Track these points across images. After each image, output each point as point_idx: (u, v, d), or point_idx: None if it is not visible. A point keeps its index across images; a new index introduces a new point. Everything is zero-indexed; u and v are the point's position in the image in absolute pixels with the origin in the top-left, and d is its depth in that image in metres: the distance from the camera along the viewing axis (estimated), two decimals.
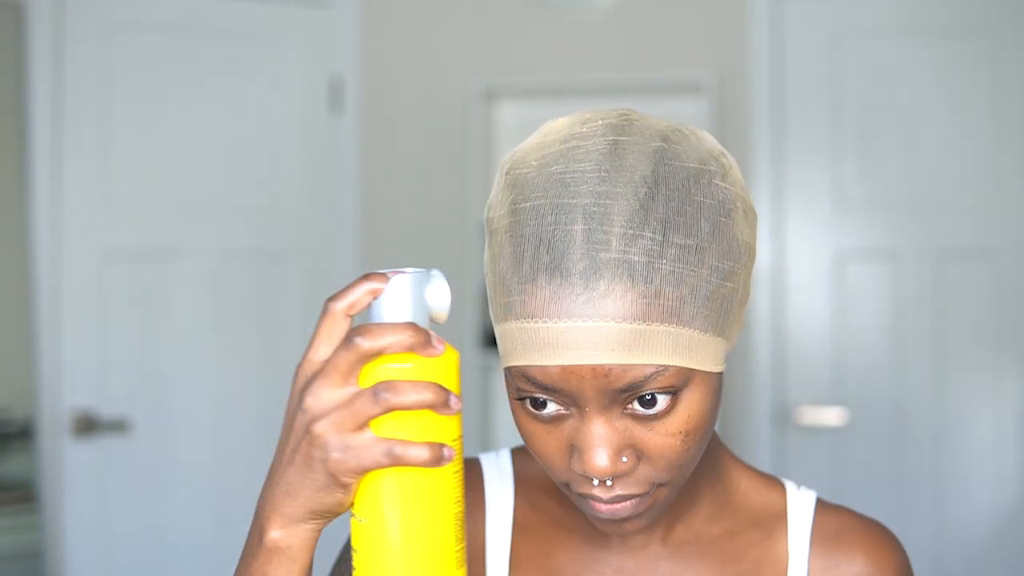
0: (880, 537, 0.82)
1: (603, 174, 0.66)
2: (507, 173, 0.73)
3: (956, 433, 2.59)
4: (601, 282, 0.64)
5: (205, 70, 2.73)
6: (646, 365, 0.65)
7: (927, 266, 2.60)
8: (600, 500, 0.70)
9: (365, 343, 0.59)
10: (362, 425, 0.60)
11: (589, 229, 0.65)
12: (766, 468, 2.56)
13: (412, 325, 0.61)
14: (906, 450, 2.61)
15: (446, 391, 0.61)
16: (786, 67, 2.68)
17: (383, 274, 0.62)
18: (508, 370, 0.69)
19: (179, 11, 2.72)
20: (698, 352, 0.67)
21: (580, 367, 0.65)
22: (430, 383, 0.60)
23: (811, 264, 2.67)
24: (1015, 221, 2.56)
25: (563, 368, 0.65)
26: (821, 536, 0.81)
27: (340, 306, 0.61)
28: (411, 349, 0.60)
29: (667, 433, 0.68)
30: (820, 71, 2.66)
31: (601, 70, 2.78)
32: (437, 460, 0.60)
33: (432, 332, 0.62)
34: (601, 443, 0.67)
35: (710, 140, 0.73)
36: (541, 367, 0.66)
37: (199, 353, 2.72)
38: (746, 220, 0.71)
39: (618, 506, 0.70)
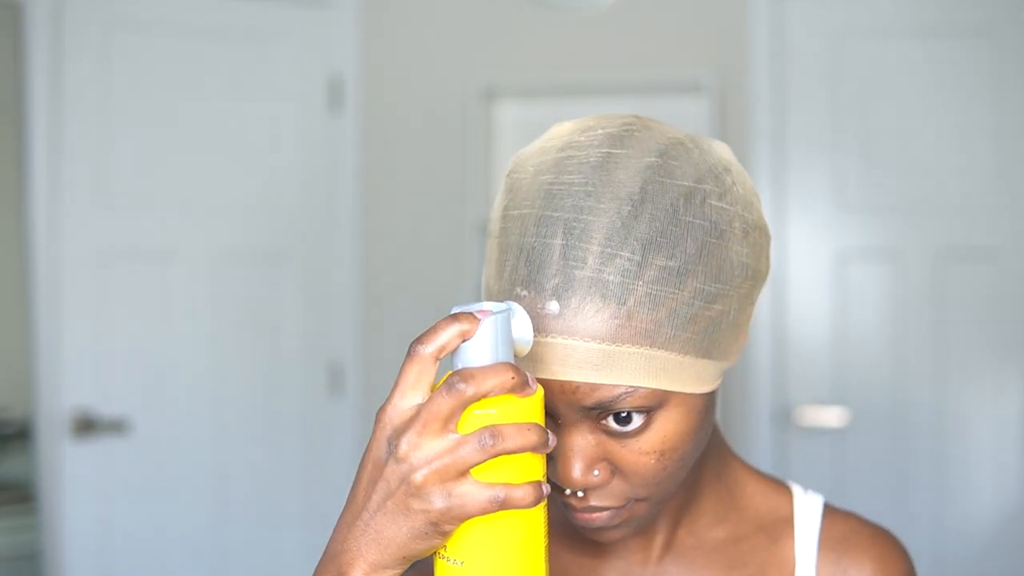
0: (888, 544, 0.81)
1: (589, 188, 0.66)
2: (508, 176, 0.72)
3: (957, 433, 2.58)
4: (573, 299, 0.63)
5: (205, 70, 2.73)
6: (615, 385, 0.64)
7: (927, 266, 2.60)
8: (575, 508, 0.70)
9: (469, 389, 0.58)
10: (464, 472, 0.59)
11: (567, 245, 0.64)
12: (766, 468, 2.56)
13: (511, 367, 0.60)
14: (906, 450, 2.60)
15: (545, 431, 0.60)
16: (786, 67, 2.68)
17: (471, 314, 0.60)
18: None
19: (179, 11, 2.71)
20: (675, 374, 0.66)
21: (549, 381, 0.64)
22: (532, 425, 0.60)
23: (812, 264, 2.67)
24: (1015, 221, 2.56)
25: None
26: (829, 541, 0.80)
27: (429, 350, 0.59)
28: (511, 391, 0.59)
29: (641, 451, 0.67)
30: (820, 71, 2.66)
31: (601, 70, 2.78)
32: (539, 498, 0.60)
33: (526, 372, 0.62)
34: (572, 455, 0.67)
35: (718, 154, 0.71)
36: None
37: (198, 353, 2.71)
38: (746, 240, 0.69)
39: (593, 516, 0.70)
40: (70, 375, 2.58)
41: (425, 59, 2.87)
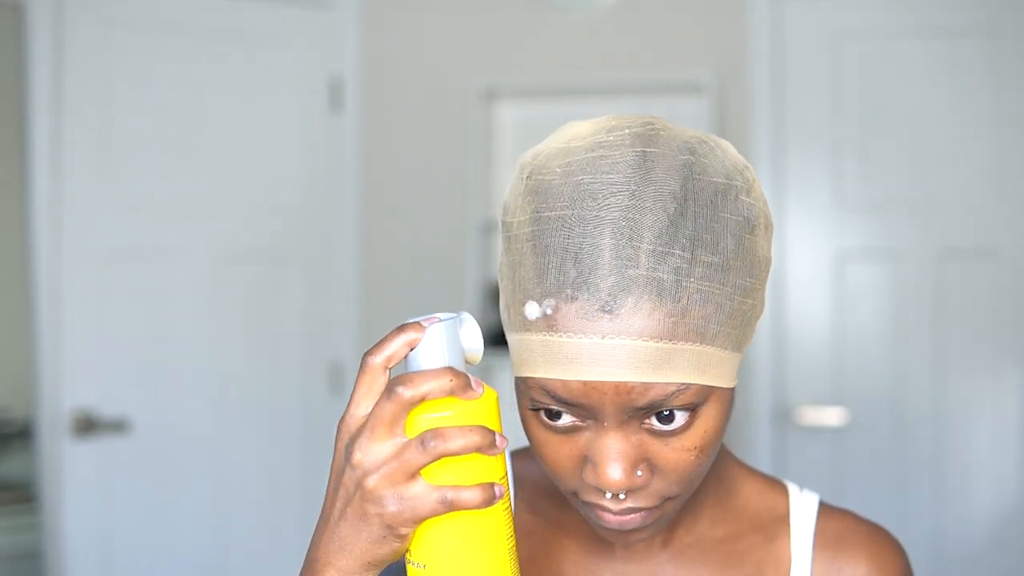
0: (883, 542, 0.81)
1: (632, 187, 0.65)
2: (528, 177, 0.71)
3: (956, 433, 2.59)
4: (629, 299, 0.63)
5: (205, 70, 2.73)
6: (668, 384, 0.64)
7: (927, 266, 2.60)
8: (609, 511, 0.69)
9: (407, 392, 0.60)
10: (413, 475, 0.61)
11: (617, 244, 0.64)
12: (766, 468, 2.56)
13: (450, 369, 0.61)
14: (906, 450, 2.61)
15: (491, 432, 0.61)
16: (786, 67, 2.68)
17: (418, 323, 0.63)
18: (523, 380, 0.68)
19: (179, 11, 2.72)
20: (718, 369, 0.66)
21: (603, 383, 0.64)
22: (475, 426, 0.61)
23: (811, 264, 2.67)
24: (1015, 221, 2.56)
25: (585, 384, 0.64)
26: (824, 540, 0.81)
27: (378, 360, 0.62)
28: (452, 393, 0.61)
29: (683, 448, 0.67)
30: (820, 71, 2.66)
31: (601, 70, 2.78)
32: (489, 500, 0.61)
33: (470, 375, 0.63)
34: (617, 457, 0.66)
35: (733, 152, 0.72)
36: (563, 381, 0.65)
37: (199, 353, 2.72)
38: (767, 234, 0.70)
39: (627, 518, 0.69)
40: (71, 375, 2.58)
41: (425, 59, 2.87)
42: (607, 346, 0.63)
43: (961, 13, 2.60)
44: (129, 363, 2.64)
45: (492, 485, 0.62)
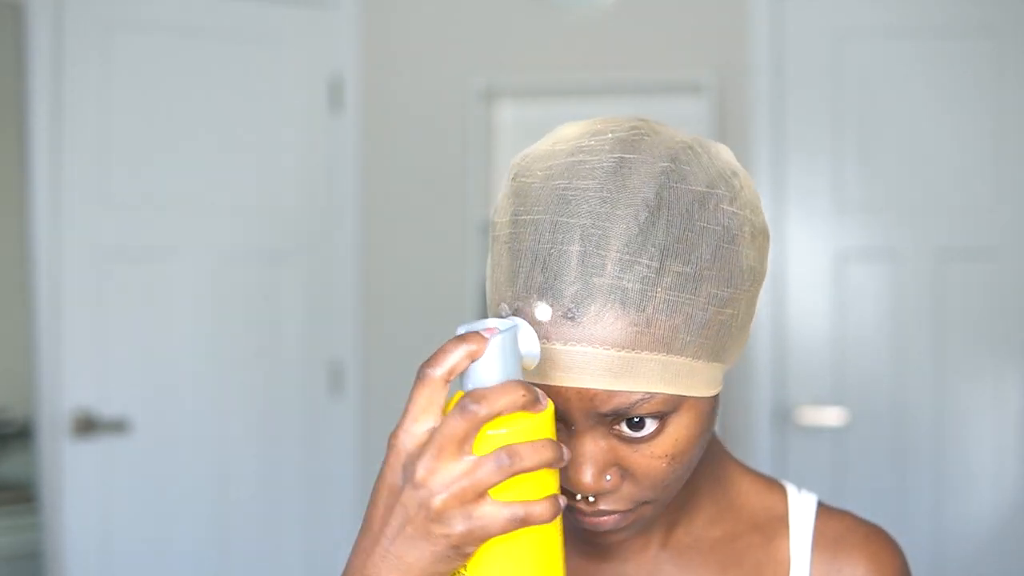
0: (882, 542, 0.81)
1: (605, 194, 0.65)
2: (513, 179, 0.71)
3: (956, 433, 2.59)
4: (592, 307, 0.63)
5: (205, 70, 2.73)
6: (632, 392, 0.64)
7: (927, 266, 2.60)
8: (583, 512, 0.70)
9: (482, 410, 0.58)
10: (483, 494, 0.59)
11: (585, 251, 0.64)
12: (766, 468, 2.56)
13: (521, 385, 0.60)
14: (906, 450, 2.61)
15: (559, 446, 0.61)
16: (786, 67, 2.68)
17: (478, 334, 0.60)
18: None
19: (179, 11, 2.72)
20: (689, 379, 0.66)
21: (566, 389, 0.64)
22: (546, 441, 0.60)
23: (811, 264, 2.67)
24: (1014, 221, 2.56)
25: (550, 388, 0.65)
26: (823, 540, 0.81)
27: (439, 372, 0.59)
28: (524, 408, 0.60)
29: (652, 455, 0.67)
30: (820, 71, 2.66)
31: (601, 70, 2.78)
32: (557, 513, 0.61)
33: (535, 386, 0.62)
34: (585, 461, 0.67)
35: (724, 157, 0.71)
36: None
37: (199, 353, 2.72)
38: (753, 243, 0.69)
39: (601, 519, 0.70)
40: (71, 375, 2.58)
41: (425, 59, 2.87)
42: (569, 352, 0.63)
43: (961, 13, 2.60)
44: (129, 363, 2.64)
45: (556, 498, 0.61)
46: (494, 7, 2.85)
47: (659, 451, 0.67)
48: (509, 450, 0.59)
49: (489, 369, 0.60)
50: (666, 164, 0.67)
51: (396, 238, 2.89)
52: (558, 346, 0.64)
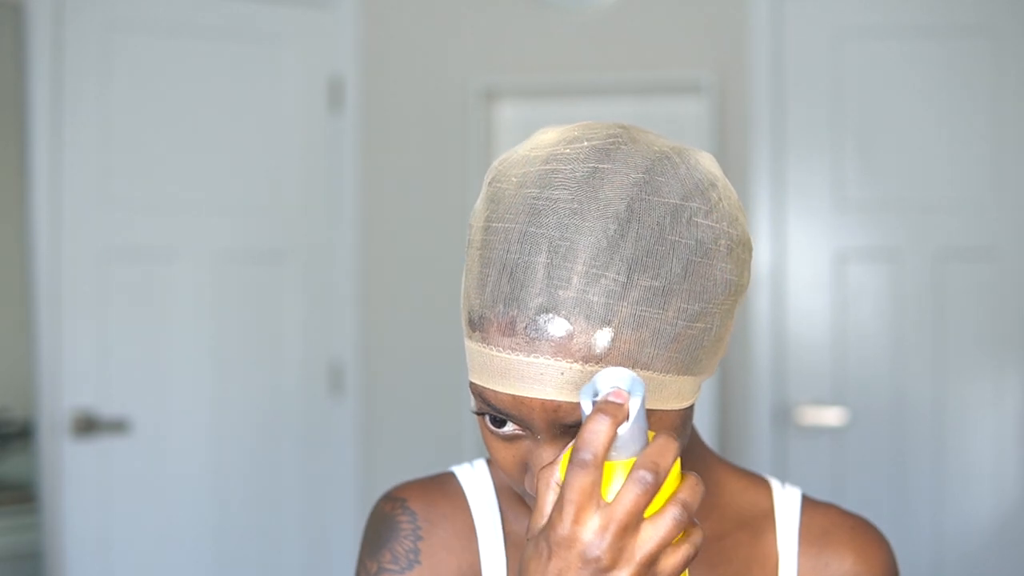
0: (868, 535, 0.82)
1: (575, 205, 0.65)
2: (489, 184, 0.71)
3: (956, 433, 2.58)
4: (556, 320, 0.63)
5: (205, 70, 2.73)
6: None
7: (927, 266, 2.60)
8: None
9: (659, 478, 0.59)
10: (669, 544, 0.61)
11: (551, 263, 0.64)
12: (766, 468, 2.56)
13: (668, 436, 0.60)
14: (906, 450, 2.61)
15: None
16: (786, 67, 2.68)
17: (613, 404, 0.59)
18: (471, 384, 0.69)
19: (179, 11, 2.72)
20: (656, 393, 0.65)
21: (530, 399, 0.64)
22: (687, 475, 0.62)
23: (811, 264, 2.67)
24: (1015, 221, 2.56)
25: (514, 397, 0.65)
26: (809, 535, 0.81)
27: (597, 456, 0.59)
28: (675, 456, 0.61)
29: None
30: (820, 71, 2.66)
31: (601, 70, 2.78)
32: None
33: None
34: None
35: (704, 167, 0.70)
36: (495, 392, 0.66)
37: (199, 353, 2.72)
38: (730, 256, 0.68)
39: None
40: (71, 375, 2.58)
41: (425, 59, 2.87)
42: (533, 364, 0.63)
43: (961, 13, 2.60)
44: (129, 363, 2.64)
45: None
46: (494, 7, 2.85)
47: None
48: (683, 505, 0.60)
49: (634, 430, 0.60)
50: (639, 176, 0.66)
51: (396, 238, 2.89)
52: (522, 357, 0.64)
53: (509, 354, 0.64)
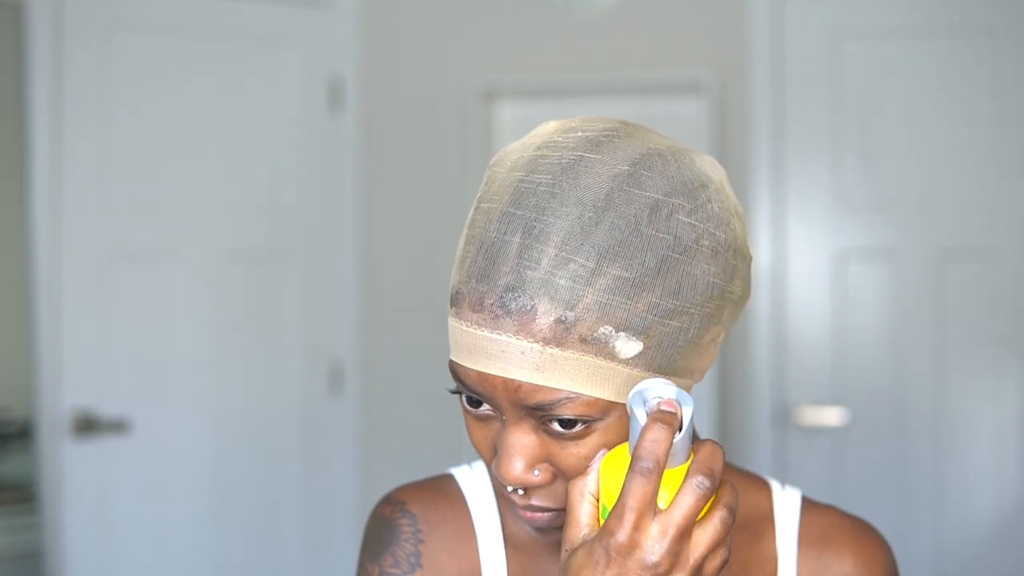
0: (868, 537, 0.81)
1: (555, 190, 0.66)
2: (489, 168, 0.73)
3: (956, 433, 2.58)
4: (522, 298, 0.64)
5: (205, 70, 2.73)
6: (557, 389, 0.64)
7: (927, 266, 2.60)
8: (518, 505, 0.70)
9: (714, 482, 0.62)
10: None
11: (524, 244, 0.64)
12: (766, 468, 2.56)
13: (712, 442, 0.64)
14: (906, 450, 2.61)
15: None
16: (786, 67, 2.68)
17: (666, 412, 0.62)
18: (449, 362, 0.70)
19: (179, 11, 2.72)
20: (622, 386, 0.65)
21: (493, 376, 0.65)
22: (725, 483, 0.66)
23: (811, 264, 2.67)
24: (1015, 221, 2.56)
25: (479, 374, 0.66)
26: (809, 537, 0.81)
27: (658, 464, 0.61)
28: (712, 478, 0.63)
29: (580, 456, 0.67)
30: (820, 71, 2.66)
31: (601, 70, 2.78)
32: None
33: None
34: (513, 452, 0.67)
35: (699, 168, 0.70)
36: (463, 367, 0.67)
37: (199, 353, 2.72)
38: (715, 259, 0.67)
39: (535, 515, 0.70)
40: (71, 375, 2.58)
41: (425, 59, 2.87)
42: (496, 341, 0.64)
43: (961, 13, 2.60)
44: (129, 363, 2.64)
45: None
46: (494, 8, 2.85)
47: (586, 452, 0.67)
48: (728, 505, 0.63)
49: (684, 439, 0.62)
50: (624, 168, 0.67)
51: (396, 238, 2.89)
52: (487, 332, 0.65)
53: (476, 329, 0.65)
